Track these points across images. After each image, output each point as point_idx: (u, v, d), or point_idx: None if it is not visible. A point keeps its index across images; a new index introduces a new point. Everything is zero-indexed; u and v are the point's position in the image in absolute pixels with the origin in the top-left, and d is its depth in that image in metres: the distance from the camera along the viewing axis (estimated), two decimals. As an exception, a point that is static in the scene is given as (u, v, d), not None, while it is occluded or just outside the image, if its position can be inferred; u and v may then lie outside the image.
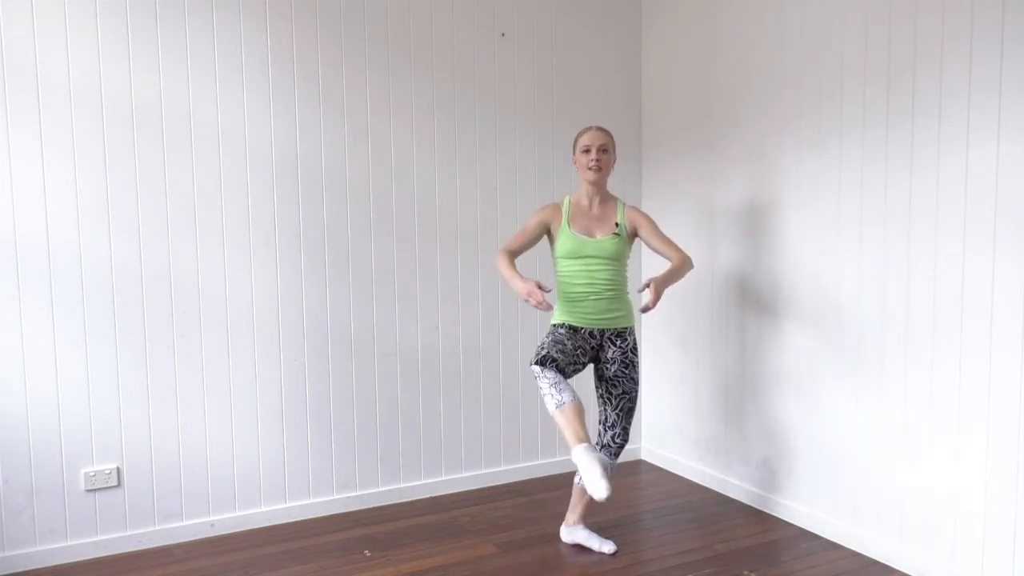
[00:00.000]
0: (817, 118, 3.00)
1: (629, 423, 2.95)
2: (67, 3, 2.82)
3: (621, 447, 2.96)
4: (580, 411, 2.61)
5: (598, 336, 2.88)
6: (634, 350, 2.93)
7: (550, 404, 2.63)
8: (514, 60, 3.68)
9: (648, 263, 3.99)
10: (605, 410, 2.95)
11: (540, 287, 2.63)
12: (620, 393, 2.91)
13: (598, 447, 2.94)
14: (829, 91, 2.94)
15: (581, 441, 2.54)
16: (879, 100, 2.75)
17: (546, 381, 2.64)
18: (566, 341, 2.78)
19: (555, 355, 2.68)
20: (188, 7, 3.01)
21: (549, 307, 2.67)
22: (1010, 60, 2.34)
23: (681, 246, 3.13)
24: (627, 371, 2.90)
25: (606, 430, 2.95)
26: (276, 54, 3.18)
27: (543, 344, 2.76)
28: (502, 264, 2.78)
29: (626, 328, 2.93)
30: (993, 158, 2.40)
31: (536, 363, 2.67)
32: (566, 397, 2.61)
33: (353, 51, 3.32)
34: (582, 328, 2.87)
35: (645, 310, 2.74)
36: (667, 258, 2.91)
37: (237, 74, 3.11)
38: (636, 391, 2.94)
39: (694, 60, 3.64)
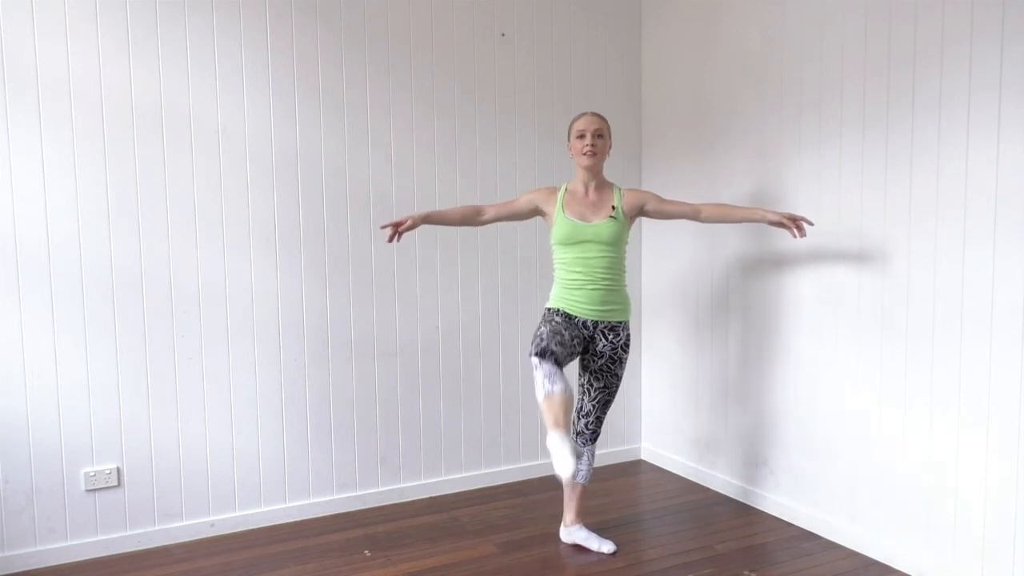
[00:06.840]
0: (817, 118, 3.00)
1: (604, 413, 2.96)
2: (67, 3, 2.82)
3: (595, 432, 2.97)
4: (567, 401, 2.53)
5: (591, 328, 2.83)
6: (625, 346, 2.88)
7: (539, 393, 2.56)
8: (514, 60, 3.68)
9: (648, 254, 3.99)
10: (582, 399, 2.94)
11: (407, 229, 2.83)
12: (601, 387, 2.89)
13: (573, 434, 2.94)
14: (829, 91, 2.94)
15: (557, 426, 2.45)
16: (879, 100, 2.75)
17: (541, 372, 2.59)
18: (563, 331, 2.73)
19: (554, 348, 2.63)
20: (188, 7, 3.01)
21: (392, 238, 2.84)
22: (1010, 60, 2.34)
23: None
24: (613, 367, 2.87)
25: (580, 418, 2.96)
26: (276, 54, 3.18)
27: (541, 334, 2.69)
28: (450, 208, 2.99)
29: (620, 323, 2.87)
30: (993, 158, 2.40)
31: (535, 354, 2.63)
32: (556, 388, 2.53)
33: (353, 51, 3.32)
34: (576, 317, 2.83)
35: (800, 230, 2.72)
36: (694, 215, 2.87)
37: (237, 74, 3.11)
38: (617, 387, 2.92)
39: (694, 60, 3.64)
